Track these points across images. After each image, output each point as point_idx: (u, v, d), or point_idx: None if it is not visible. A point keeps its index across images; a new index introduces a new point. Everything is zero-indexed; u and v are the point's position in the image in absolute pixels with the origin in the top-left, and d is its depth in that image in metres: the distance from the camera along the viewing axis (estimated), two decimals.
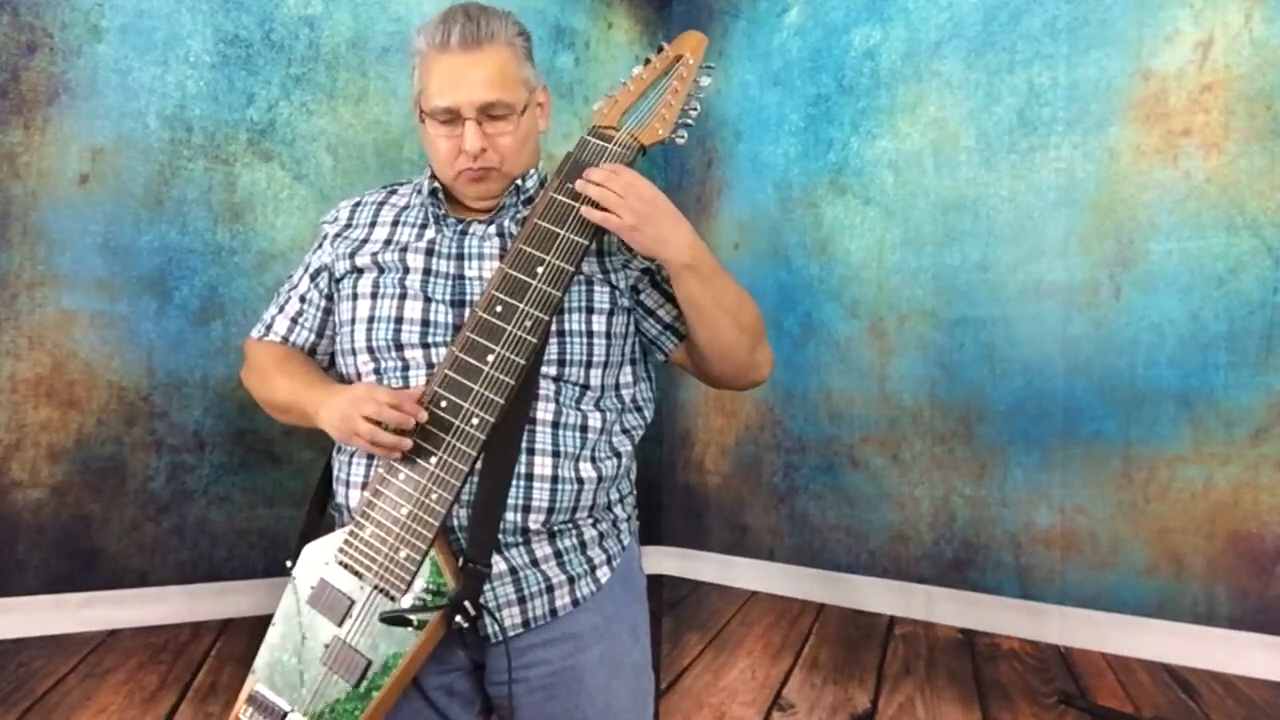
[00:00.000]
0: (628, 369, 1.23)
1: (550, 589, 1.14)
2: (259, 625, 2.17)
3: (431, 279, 1.19)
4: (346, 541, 1.10)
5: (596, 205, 1.10)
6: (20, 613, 1.94)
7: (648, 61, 1.23)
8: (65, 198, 2.00)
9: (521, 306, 1.09)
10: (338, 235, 1.29)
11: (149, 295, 2.10)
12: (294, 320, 1.32)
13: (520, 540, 1.12)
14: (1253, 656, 2.01)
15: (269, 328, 1.35)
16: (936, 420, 2.52)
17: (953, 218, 2.51)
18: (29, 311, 1.97)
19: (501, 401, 1.06)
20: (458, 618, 1.03)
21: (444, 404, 1.08)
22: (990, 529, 2.42)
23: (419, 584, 1.05)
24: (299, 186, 2.30)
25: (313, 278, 1.31)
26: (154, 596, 2.10)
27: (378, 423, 1.04)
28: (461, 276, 1.19)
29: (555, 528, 1.14)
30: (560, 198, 1.13)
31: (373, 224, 1.29)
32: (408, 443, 1.07)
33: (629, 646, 1.21)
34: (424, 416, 1.07)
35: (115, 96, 2.05)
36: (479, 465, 1.08)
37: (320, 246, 1.32)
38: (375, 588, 1.06)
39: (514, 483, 1.10)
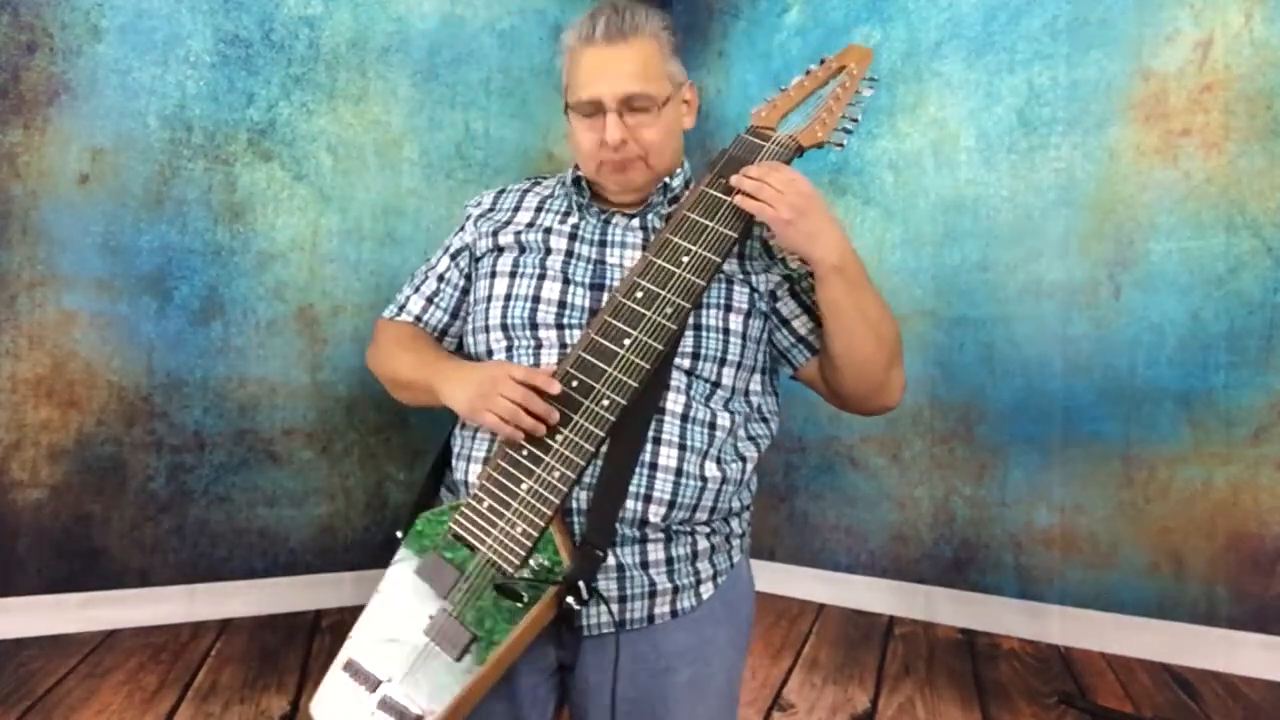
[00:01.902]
0: (757, 377, 1.22)
1: (653, 594, 1.12)
2: (259, 625, 2.18)
3: (573, 261, 1.19)
4: (462, 513, 1.08)
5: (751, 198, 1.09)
6: (20, 613, 1.94)
7: (808, 71, 1.23)
8: (65, 198, 2.00)
9: (664, 294, 1.08)
10: (481, 216, 1.29)
11: (149, 295, 2.10)
12: (430, 300, 1.32)
13: (637, 536, 1.10)
14: (1253, 656, 2.01)
15: (402, 307, 1.34)
16: (936, 420, 2.52)
17: (953, 218, 2.51)
18: (29, 311, 1.97)
19: (635, 385, 1.05)
20: (569, 599, 1.01)
21: (575, 384, 1.07)
22: (990, 529, 2.42)
23: (533, 560, 1.03)
24: (299, 186, 2.30)
25: (453, 257, 1.31)
26: (154, 596, 2.10)
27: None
28: (603, 262, 1.18)
29: (673, 528, 1.13)
30: (712, 192, 1.12)
31: (517, 208, 1.29)
32: (543, 428, 1.05)
33: (718, 671, 1.19)
34: (557, 388, 1.05)
35: (115, 96, 2.05)
36: (604, 448, 1.07)
37: (462, 228, 1.32)
38: (488, 561, 1.04)
39: (638, 470, 1.09)
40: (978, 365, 2.44)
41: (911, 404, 2.56)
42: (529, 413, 1.04)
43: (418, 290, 1.33)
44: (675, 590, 1.14)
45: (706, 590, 1.17)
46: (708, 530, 1.17)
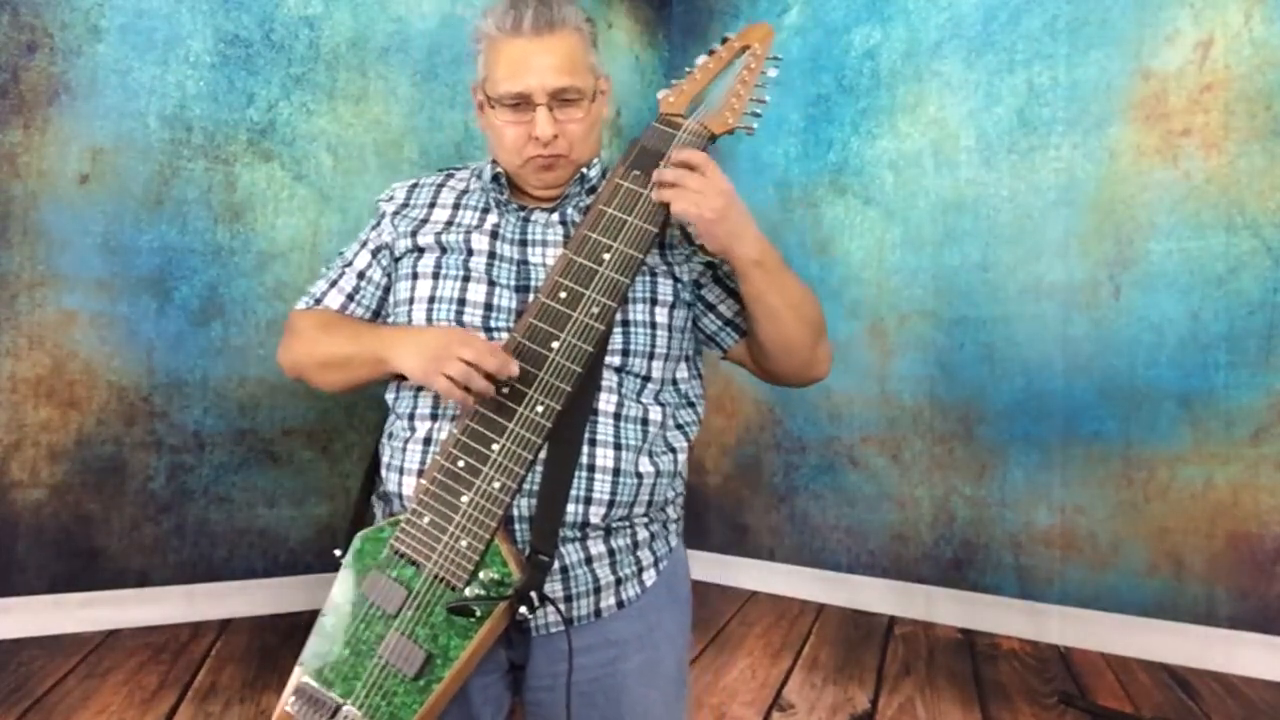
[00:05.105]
0: (684, 364, 1.23)
1: (598, 589, 1.12)
2: (259, 625, 2.18)
3: (496, 263, 1.17)
4: (402, 529, 1.06)
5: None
6: (20, 613, 1.94)
7: (712, 52, 1.22)
8: (65, 198, 2.00)
9: (588, 293, 1.07)
10: (396, 213, 1.28)
11: (149, 295, 2.10)
12: (350, 297, 1.29)
13: (578, 535, 1.11)
14: (1253, 656, 2.01)
15: (318, 300, 1.31)
16: (936, 420, 2.52)
17: (953, 218, 2.51)
18: (29, 311, 1.97)
19: (568, 389, 1.04)
20: (522, 609, 1.01)
21: (506, 390, 1.04)
22: (990, 529, 2.42)
23: (483, 574, 1.02)
24: (299, 186, 2.30)
25: (374, 254, 1.29)
26: (154, 596, 2.10)
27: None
28: (525, 262, 1.17)
29: (612, 524, 1.13)
30: (628, 185, 1.11)
31: (432, 204, 1.27)
32: (493, 390, 1.03)
33: (667, 655, 1.20)
34: (516, 370, 1.03)
35: (115, 96, 2.05)
36: (541, 454, 1.05)
37: (379, 224, 1.30)
38: (435, 577, 1.03)
39: (575, 473, 1.08)
40: (978, 365, 2.44)
41: (911, 404, 2.56)
42: (482, 374, 1.02)
43: (335, 285, 1.30)
44: (619, 581, 1.15)
45: (649, 577, 1.18)
46: (645, 520, 1.18)
